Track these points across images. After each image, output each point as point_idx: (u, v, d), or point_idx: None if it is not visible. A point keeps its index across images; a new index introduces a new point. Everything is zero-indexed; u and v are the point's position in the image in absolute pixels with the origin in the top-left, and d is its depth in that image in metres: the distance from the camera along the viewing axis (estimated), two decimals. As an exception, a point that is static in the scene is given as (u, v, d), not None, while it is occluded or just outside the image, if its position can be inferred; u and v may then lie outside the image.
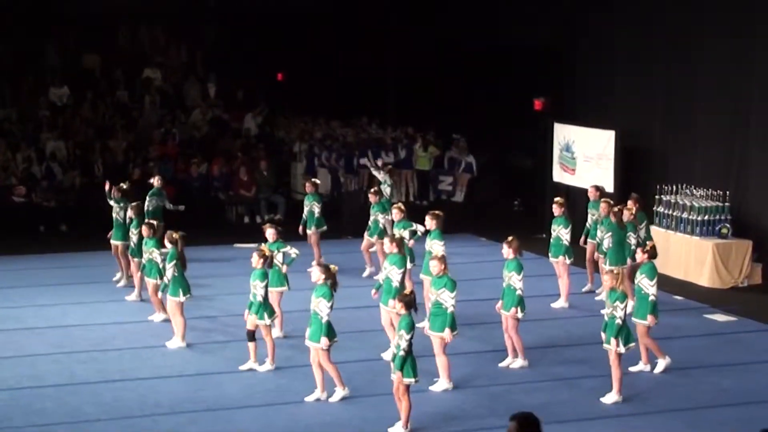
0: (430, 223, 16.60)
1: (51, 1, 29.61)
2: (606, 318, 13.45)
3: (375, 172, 22.52)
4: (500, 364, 14.86)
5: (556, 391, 13.96)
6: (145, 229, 16.97)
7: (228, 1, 31.19)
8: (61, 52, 30.22)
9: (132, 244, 18.12)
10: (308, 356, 13.44)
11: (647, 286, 14.39)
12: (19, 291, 19.13)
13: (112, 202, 19.28)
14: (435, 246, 16.26)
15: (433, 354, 13.85)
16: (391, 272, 14.91)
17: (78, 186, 25.06)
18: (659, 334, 16.09)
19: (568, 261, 18.07)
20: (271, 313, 14.59)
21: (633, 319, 14.31)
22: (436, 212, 16.82)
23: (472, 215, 26.13)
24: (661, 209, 20.81)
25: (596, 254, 18.43)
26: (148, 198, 20.33)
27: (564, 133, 23.76)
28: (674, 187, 20.83)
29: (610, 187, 21.13)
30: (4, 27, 28.90)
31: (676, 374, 14.66)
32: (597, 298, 18.32)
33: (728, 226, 20.07)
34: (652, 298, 14.35)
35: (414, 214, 18.17)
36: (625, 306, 13.31)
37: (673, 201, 20.64)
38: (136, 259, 17.93)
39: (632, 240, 17.48)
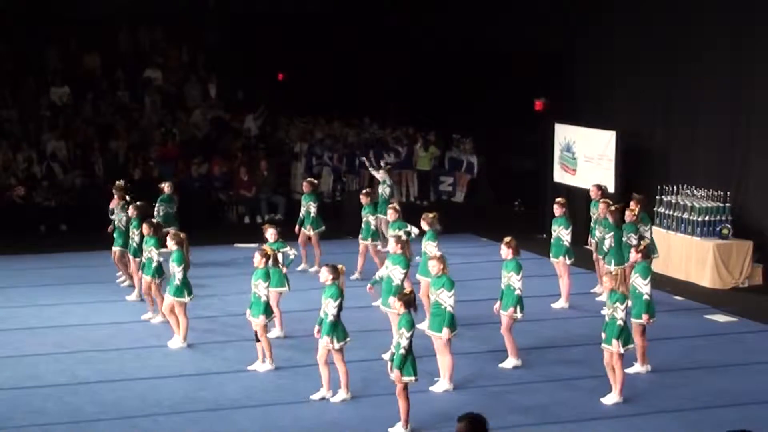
0: (424, 224, 16.62)
1: (52, 1, 29.61)
2: (606, 319, 13.45)
3: (374, 173, 22.52)
4: (500, 365, 14.85)
5: (556, 392, 13.96)
6: (145, 228, 16.97)
7: (228, 2, 31.19)
8: (62, 53, 30.21)
9: (134, 243, 18.01)
10: (309, 356, 13.42)
11: (641, 285, 14.40)
12: (20, 291, 19.14)
13: (113, 216, 19.25)
14: (429, 247, 16.28)
15: (433, 354, 13.85)
16: (393, 272, 14.91)
17: (78, 186, 25.06)
18: (660, 334, 16.12)
19: (568, 261, 18.06)
20: (269, 313, 14.60)
21: (631, 319, 14.31)
22: (431, 214, 16.84)
23: (473, 215, 26.12)
24: (661, 210, 20.81)
25: (595, 254, 18.43)
26: (157, 204, 20.21)
27: (565, 134, 23.76)
28: (675, 187, 20.83)
29: (611, 188, 21.13)
30: (4, 27, 28.90)
31: (676, 375, 14.66)
32: (598, 299, 18.31)
33: (729, 226, 20.07)
34: (645, 297, 14.35)
35: (415, 215, 18.12)
36: (626, 307, 13.32)
37: (673, 201, 20.64)
38: (137, 259, 17.90)
39: (633, 240, 17.46)
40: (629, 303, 13.66)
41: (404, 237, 15.73)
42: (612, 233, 17.61)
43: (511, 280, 14.52)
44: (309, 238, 20.30)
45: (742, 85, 20.60)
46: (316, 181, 21.54)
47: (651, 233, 18.64)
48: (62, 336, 16.30)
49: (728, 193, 20.24)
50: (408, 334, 12.11)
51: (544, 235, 20.01)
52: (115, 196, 19.45)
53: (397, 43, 29.80)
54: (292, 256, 16.06)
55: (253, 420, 12.90)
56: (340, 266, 13.43)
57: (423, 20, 29.58)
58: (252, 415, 13.04)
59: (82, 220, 23.35)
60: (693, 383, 14.36)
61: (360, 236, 19.63)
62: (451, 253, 16.06)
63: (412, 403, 12.36)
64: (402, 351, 12.12)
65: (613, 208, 17.82)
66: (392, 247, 15.23)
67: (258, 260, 14.52)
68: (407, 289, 12.92)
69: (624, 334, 13.32)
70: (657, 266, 19.24)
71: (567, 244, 18.03)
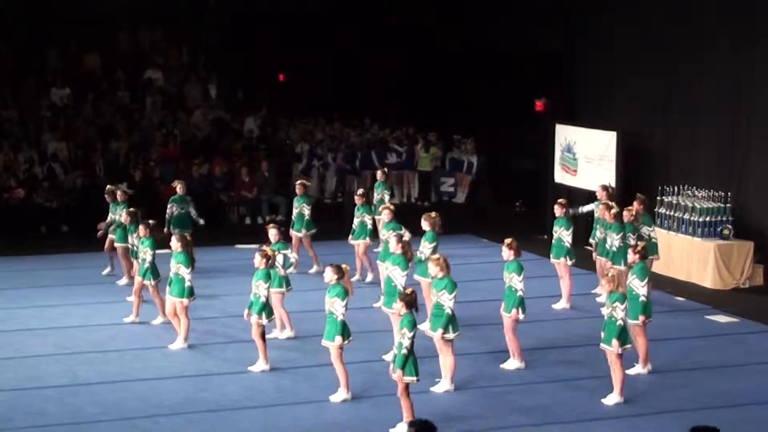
0: (426, 223, 16.62)
1: (52, 2, 29.62)
2: (606, 318, 13.45)
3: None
4: (501, 365, 14.85)
5: (557, 392, 13.95)
6: (141, 229, 16.99)
7: (228, 2, 31.19)
8: (62, 53, 30.22)
9: (134, 247, 17.99)
10: (309, 357, 13.42)
11: (638, 286, 14.38)
12: (20, 292, 19.14)
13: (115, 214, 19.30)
14: (425, 248, 16.29)
15: (434, 355, 13.84)
16: (393, 272, 14.89)
17: (79, 187, 25.06)
18: (661, 335, 16.13)
19: (569, 262, 18.05)
20: (270, 314, 14.59)
21: (627, 320, 14.29)
22: (433, 214, 16.85)
23: (473, 216, 26.12)
24: (662, 210, 20.80)
25: (595, 255, 18.40)
26: (169, 204, 20.18)
27: (565, 134, 23.75)
28: (676, 188, 20.83)
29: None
30: (5, 28, 28.91)
31: (677, 375, 14.66)
32: (598, 299, 18.31)
33: (730, 227, 20.07)
34: (642, 299, 14.33)
35: (416, 216, 18.10)
36: (625, 307, 13.32)
37: (674, 202, 20.64)
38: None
39: (631, 240, 17.45)
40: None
41: (406, 237, 15.73)
42: (620, 234, 17.59)
43: (513, 281, 14.51)
44: (300, 240, 20.21)
45: (743, 85, 20.61)
46: (308, 183, 21.45)
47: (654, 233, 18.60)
48: (63, 337, 16.31)
49: (729, 193, 20.24)
50: (410, 335, 12.11)
51: (545, 236, 20.00)
52: (111, 197, 19.59)
53: (397, 43, 29.80)
54: (292, 260, 16.04)
55: (254, 421, 12.90)
56: (344, 265, 13.45)
57: (423, 20, 29.59)
58: (253, 416, 13.04)
59: (83, 221, 23.31)
60: (694, 384, 14.36)
61: (351, 236, 19.61)
62: (452, 254, 16.03)
63: (412, 403, 12.35)
64: (404, 351, 12.12)
65: (615, 210, 17.80)
66: (392, 246, 15.23)
67: (258, 261, 14.52)
68: (409, 289, 12.92)
69: (623, 334, 13.32)
70: (658, 267, 19.26)
71: (568, 245, 18.02)
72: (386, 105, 30.35)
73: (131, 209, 18.27)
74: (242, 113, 29.51)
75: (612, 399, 13.45)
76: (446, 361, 13.79)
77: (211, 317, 17.28)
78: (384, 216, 17.79)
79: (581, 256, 19.10)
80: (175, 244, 15.67)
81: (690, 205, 20.31)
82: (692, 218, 20.21)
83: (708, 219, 20.09)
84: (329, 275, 13.27)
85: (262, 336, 14.55)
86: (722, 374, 14.76)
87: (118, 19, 30.66)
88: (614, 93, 23.76)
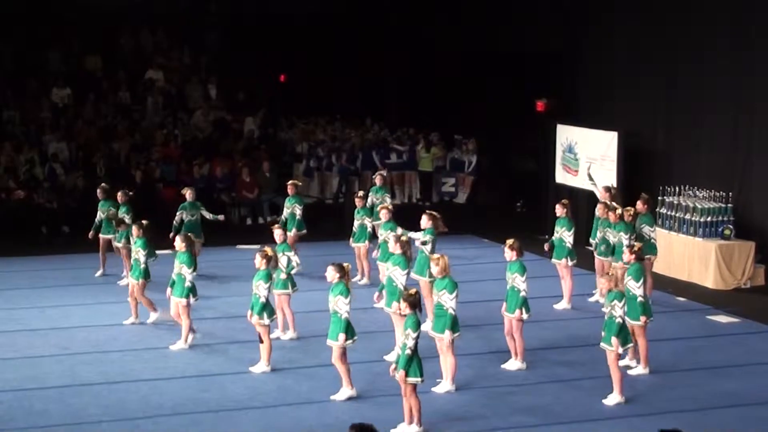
0: (425, 223, 16.60)
1: (53, 2, 29.62)
2: (606, 318, 13.45)
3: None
4: (503, 366, 14.84)
5: (559, 392, 13.95)
6: (134, 229, 17.01)
7: (229, 3, 31.21)
8: (64, 54, 30.24)
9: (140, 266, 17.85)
10: (311, 357, 13.42)
11: (634, 287, 14.37)
12: (22, 292, 19.14)
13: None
14: (427, 246, 16.30)
15: (435, 355, 13.84)
16: (394, 273, 14.89)
17: (80, 187, 25.06)
18: (662, 335, 16.14)
19: (570, 263, 18.04)
20: (271, 314, 14.59)
21: (627, 320, 14.27)
22: (433, 213, 16.86)
23: (474, 216, 26.11)
24: (664, 210, 20.80)
25: (595, 255, 18.39)
26: (178, 211, 20.02)
27: (566, 135, 23.75)
28: (677, 188, 20.83)
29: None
30: (5, 29, 28.92)
31: (678, 375, 14.66)
32: (591, 300, 18.33)
33: (731, 227, 20.07)
34: (640, 299, 14.33)
35: (417, 216, 18.10)
36: (624, 305, 13.31)
37: (676, 202, 20.64)
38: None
39: (624, 240, 17.43)
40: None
41: (404, 237, 15.73)
42: (628, 234, 17.57)
43: (516, 281, 14.51)
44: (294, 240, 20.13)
45: (744, 86, 20.60)
46: (300, 183, 21.37)
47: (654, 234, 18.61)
48: (64, 337, 16.31)
49: (730, 193, 20.24)
50: (414, 335, 12.12)
51: (547, 236, 20.01)
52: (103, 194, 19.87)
53: (397, 43, 29.80)
54: (294, 263, 16.02)
55: (255, 421, 12.90)
56: (345, 264, 13.48)
57: (423, 20, 29.58)
58: (254, 417, 13.04)
59: (83, 222, 23.29)
60: (695, 384, 14.35)
61: (351, 239, 19.58)
62: (453, 254, 16.05)
63: (420, 403, 12.39)
64: (408, 352, 12.13)
65: (620, 210, 17.79)
66: (392, 246, 15.24)
67: (259, 262, 14.53)
68: (413, 290, 12.93)
69: (623, 333, 13.32)
70: (659, 267, 19.29)
71: (569, 246, 18.02)
72: (387, 105, 30.35)
73: (142, 222, 17.60)
74: (243, 114, 29.51)
75: (613, 399, 13.45)
76: (447, 361, 13.79)
77: (212, 318, 17.28)
78: (382, 216, 17.79)
79: (582, 256, 19.07)
80: (179, 244, 15.67)
81: (691, 205, 20.31)
82: (693, 218, 20.21)
83: (709, 219, 20.09)
84: (331, 274, 13.29)
85: (267, 337, 14.55)
86: (723, 375, 14.76)
87: (119, 20, 30.67)
88: (615, 93, 23.75)
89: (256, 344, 14.67)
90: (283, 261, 15.85)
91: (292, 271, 16.07)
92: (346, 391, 13.51)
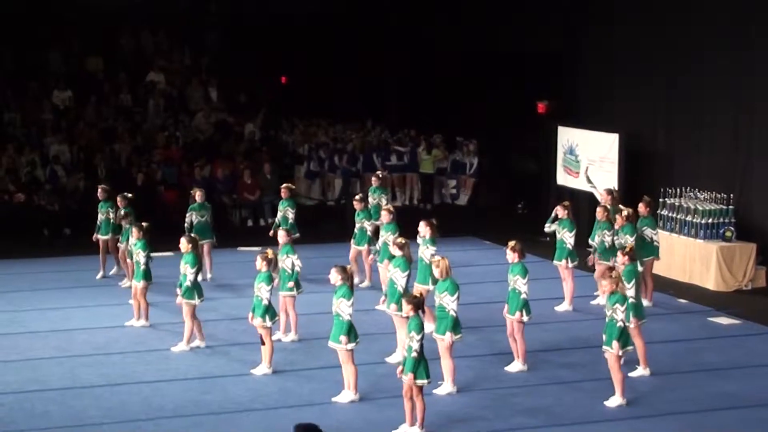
0: (424, 230, 16.54)
1: (54, 4, 29.63)
2: (606, 320, 13.45)
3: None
4: (506, 368, 14.84)
5: (560, 394, 13.95)
6: (134, 231, 17.01)
7: (230, 4, 31.21)
8: (65, 56, 30.26)
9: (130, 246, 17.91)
10: (312, 359, 13.42)
11: (625, 289, 14.34)
12: (23, 294, 19.15)
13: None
14: (426, 252, 16.26)
15: (436, 357, 13.84)
16: (394, 274, 14.89)
17: (82, 189, 25.07)
18: (663, 336, 16.16)
19: (571, 264, 18.03)
20: (273, 316, 14.60)
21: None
22: (431, 220, 16.80)
23: (475, 218, 26.11)
24: (665, 212, 20.79)
25: (594, 257, 18.36)
26: (188, 212, 19.91)
27: (567, 136, 23.76)
28: (678, 190, 20.82)
29: (613, 191, 21.12)
30: (7, 31, 28.93)
31: (679, 377, 14.65)
32: (593, 302, 18.32)
33: (732, 229, 20.06)
34: (631, 300, 14.27)
35: (418, 218, 18.11)
36: (626, 308, 13.31)
37: (677, 204, 20.64)
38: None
39: (610, 240, 17.45)
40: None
41: (404, 241, 15.72)
42: (634, 235, 17.57)
43: (517, 283, 14.51)
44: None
45: (744, 86, 20.59)
46: (293, 186, 21.28)
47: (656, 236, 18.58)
48: (65, 339, 16.31)
49: (731, 195, 20.23)
50: (418, 337, 12.14)
51: (548, 238, 20.00)
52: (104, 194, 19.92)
53: (397, 43, 29.80)
54: (297, 269, 16.00)
55: (257, 423, 12.90)
56: (349, 267, 13.51)
57: (423, 20, 29.57)
58: (255, 419, 13.04)
59: (85, 224, 23.31)
60: (696, 386, 14.35)
61: (353, 241, 19.56)
62: (454, 255, 16.04)
63: (425, 405, 12.42)
64: (414, 354, 12.15)
65: (626, 212, 17.78)
66: (392, 248, 15.26)
67: (260, 264, 14.53)
68: (417, 291, 12.92)
69: (624, 336, 13.32)
70: (660, 269, 19.28)
71: (570, 247, 18.01)
72: (387, 105, 30.35)
73: (142, 224, 17.55)
74: (244, 115, 29.51)
75: (614, 401, 13.45)
76: (445, 363, 13.78)
77: (214, 320, 17.26)
78: (383, 217, 17.77)
79: (584, 257, 19.06)
80: (184, 245, 15.65)
81: (692, 206, 20.30)
82: (695, 220, 20.20)
83: (710, 221, 20.08)
84: (335, 277, 13.31)
85: (269, 339, 14.56)
86: (724, 376, 14.76)
87: (119, 20, 30.69)
88: (617, 95, 23.74)
89: (258, 346, 14.68)
90: (287, 263, 15.86)
91: (296, 275, 16.07)
92: (348, 394, 13.51)
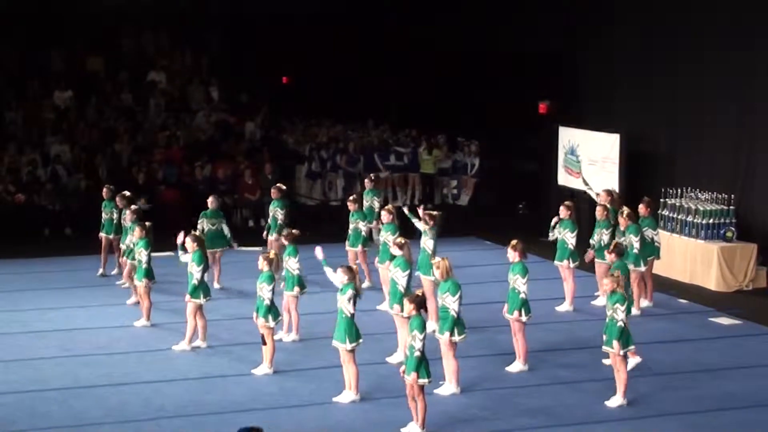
0: (427, 220, 16.60)
1: (55, 4, 29.63)
2: (607, 320, 13.45)
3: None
4: (507, 368, 14.84)
5: (561, 394, 13.96)
6: (137, 230, 17.00)
7: (231, 4, 31.20)
8: (66, 56, 30.26)
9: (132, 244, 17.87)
10: (313, 359, 13.42)
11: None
12: (24, 294, 19.15)
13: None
14: (428, 243, 16.32)
15: (438, 357, 13.84)
16: (395, 274, 14.88)
17: (83, 189, 25.08)
18: (664, 337, 16.17)
19: (572, 265, 18.03)
20: (276, 316, 14.60)
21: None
22: (435, 212, 16.84)
23: (477, 218, 26.10)
24: (666, 212, 20.79)
25: (592, 252, 18.34)
26: (200, 219, 19.55)
27: (568, 137, 23.75)
28: (679, 190, 20.82)
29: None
30: (8, 31, 28.93)
31: (680, 377, 14.65)
32: (593, 303, 18.31)
33: (733, 229, 20.05)
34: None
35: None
36: (626, 308, 13.31)
37: (678, 204, 20.63)
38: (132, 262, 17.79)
39: (634, 243, 17.42)
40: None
41: (404, 241, 15.73)
42: (639, 235, 17.57)
43: (517, 283, 14.51)
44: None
45: (746, 87, 20.59)
46: (284, 187, 21.20)
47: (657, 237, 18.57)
48: (66, 339, 16.32)
49: (732, 195, 20.22)
50: (420, 337, 12.16)
51: (549, 239, 19.97)
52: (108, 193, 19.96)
53: (401, 46, 29.79)
54: (296, 271, 16.00)
55: (258, 423, 12.83)
56: (354, 266, 13.54)
57: (423, 21, 29.55)
58: (256, 419, 12.98)
59: (86, 224, 23.32)
60: (697, 386, 14.35)
61: (347, 243, 19.51)
62: (455, 255, 16.04)
63: (426, 405, 12.42)
64: (417, 354, 12.16)
65: (628, 212, 17.78)
66: (392, 248, 15.28)
67: (262, 264, 14.54)
68: (419, 291, 12.94)
69: (624, 336, 13.32)
70: (661, 269, 19.28)
71: (572, 248, 18.01)
72: (387, 106, 30.34)
73: (144, 223, 17.52)
74: (245, 115, 29.51)
75: (615, 401, 13.45)
76: (448, 364, 13.79)
77: (215, 320, 17.22)
78: (383, 218, 17.78)
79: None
80: (189, 245, 15.61)
81: (693, 207, 20.30)
82: (696, 220, 20.19)
83: (711, 221, 20.08)
84: (341, 277, 13.33)
85: (271, 339, 14.57)
86: (725, 377, 14.76)
87: (121, 21, 30.69)
88: (618, 95, 23.75)
89: (259, 346, 14.68)
90: (291, 264, 15.87)
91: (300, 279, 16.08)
92: (349, 395, 13.51)
